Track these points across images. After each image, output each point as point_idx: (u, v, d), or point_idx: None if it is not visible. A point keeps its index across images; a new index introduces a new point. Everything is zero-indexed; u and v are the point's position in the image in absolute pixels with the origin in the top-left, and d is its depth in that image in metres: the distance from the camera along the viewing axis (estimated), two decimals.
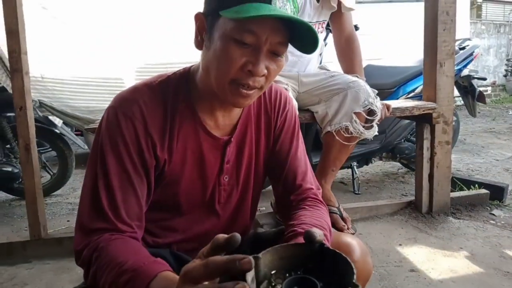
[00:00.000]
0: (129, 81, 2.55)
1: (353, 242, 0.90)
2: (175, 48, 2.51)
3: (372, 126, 1.80)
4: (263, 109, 0.97)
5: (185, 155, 0.88)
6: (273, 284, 0.62)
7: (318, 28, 1.91)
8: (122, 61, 2.56)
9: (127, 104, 0.81)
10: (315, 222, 0.86)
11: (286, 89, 1.78)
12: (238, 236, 0.55)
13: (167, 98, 0.85)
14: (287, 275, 0.65)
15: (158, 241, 0.93)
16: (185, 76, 0.88)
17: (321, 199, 0.98)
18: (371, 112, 1.79)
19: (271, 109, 0.97)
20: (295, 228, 0.84)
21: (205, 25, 0.80)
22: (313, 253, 0.67)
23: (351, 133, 1.77)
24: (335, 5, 1.89)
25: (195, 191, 0.92)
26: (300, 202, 0.95)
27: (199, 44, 0.83)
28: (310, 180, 0.99)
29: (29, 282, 1.73)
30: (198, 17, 0.82)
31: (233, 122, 0.93)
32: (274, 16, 0.72)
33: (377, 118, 1.80)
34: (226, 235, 0.55)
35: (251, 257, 0.62)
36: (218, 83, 0.79)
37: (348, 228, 1.90)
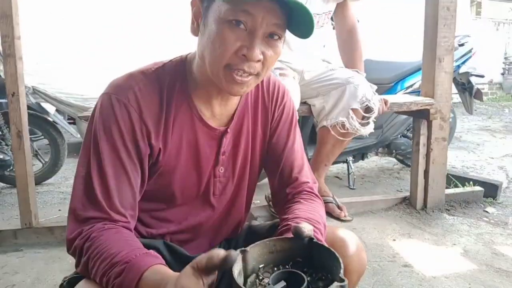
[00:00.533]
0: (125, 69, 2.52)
1: (348, 237, 0.89)
2: (174, 48, 2.48)
3: (368, 123, 1.79)
4: (261, 101, 0.95)
5: (180, 144, 0.86)
6: (261, 278, 0.61)
7: (324, 19, 1.88)
8: (118, 48, 2.53)
9: (122, 91, 0.79)
10: (309, 216, 0.85)
11: (287, 74, 1.78)
12: (234, 254, 0.56)
13: (163, 86, 0.83)
14: (275, 269, 0.64)
15: (152, 231, 0.92)
16: (181, 64, 0.86)
17: (316, 192, 0.97)
18: (368, 109, 1.78)
19: (268, 101, 0.96)
20: (289, 222, 0.83)
21: (200, 10, 0.78)
22: (302, 247, 0.66)
23: (347, 129, 1.76)
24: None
25: (190, 182, 0.90)
26: (296, 195, 0.95)
27: (195, 30, 0.81)
28: (306, 174, 0.98)
29: (20, 270, 1.71)
30: (194, 2, 0.80)
31: (229, 113, 0.91)
32: None
33: (374, 115, 1.79)
34: (221, 254, 0.56)
35: (238, 251, 0.61)
36: (213, 69, 0.77)
37: (344, 216, 1.94)
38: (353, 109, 1.76)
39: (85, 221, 0.75)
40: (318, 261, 0.65)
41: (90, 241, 0.72)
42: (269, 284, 0.59)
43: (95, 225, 0.74)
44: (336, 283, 0.57)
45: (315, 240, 0.67)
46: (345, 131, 1.78)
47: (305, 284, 0.58)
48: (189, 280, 0.58)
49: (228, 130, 0.90)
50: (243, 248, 0.62)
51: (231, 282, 0.57)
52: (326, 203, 1.92)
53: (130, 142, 0.79)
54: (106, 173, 0.77)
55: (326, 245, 0.67)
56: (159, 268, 0.65)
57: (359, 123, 1.78)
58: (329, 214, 1.97)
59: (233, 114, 0.91)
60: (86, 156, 0.79)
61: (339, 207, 1.98)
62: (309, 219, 0.83)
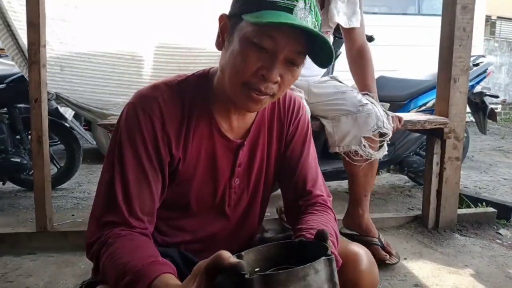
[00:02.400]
0: (145, 75, 2.58)
1: (361, 252, 0.90)
2: (192, 33, 2.53)
3: (382, 146, 1.77)
4: (276, 115, 0.97)
5: (199, 155, 0.88)
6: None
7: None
8: (139, 52, 2.58)
9: (147, 101, 0.83)
10: (322, 228, 0.86)
11: (300, 97, 1.76)
12: (243, 265, 0.55)
13: (185, 98, 0.86)
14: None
15: (167, 240, 0.94)
16: (204, 78, 0.90)
17: (330, 205, 0.98)
18: (381, 134, 1.76)
19: (284, 115, 0.98)
20: (303, 233, 0.84)
21: (228, 27, 0.81)
22: (294, 249, 0.68)
23: (361, 156, 1.74)
24: (333, 26, 1.87)
25: (206, 192, 0.92)
26: (309, 207, 0.95)
27: (220, 45, 0.85)
28: (321, 188, 0.99)
29: (33, 273, 1.73)
30: (222, 18, 0.84)
31: (246, 126, 0.93)
32: (294, 26, 0.73)
33: (388, 138, 1.77)
34: (232, 257, 0.56)
35: (233, 256, 0.62)
36: (231, 84, 0.80)
37: (389, 258, 1.82)
38: (365, 137, 1.73)
39: (104, 226, 0.78)
40: (311, 258, 0.66)
41: (106, 246, 0.74)
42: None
43: (113, 230, 0.76)
44: (323, 257, 0.58)
45: (304, 239, 0.68)
46: (359, 158, 1.76)
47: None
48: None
49: (245, 143, 0.92)
50: (237, 253, 0.64)
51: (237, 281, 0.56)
52: (370, 244, 1.81)
53: (153, 150, 0.82)
54: (128, 179, 0.79)
55: (315, 240, 0.68)
56: (166, 278, 0.66)
57: (373, 148, 1.74)
58: (372, 255, 1.77)
59: (250, 127, 0.93)
60: (110, 162, 0.82)
61: (384, 248, 1.85)
62: None
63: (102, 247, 0.75)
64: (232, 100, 0.83)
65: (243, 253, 0.64)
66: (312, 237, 0.82)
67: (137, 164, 0.81)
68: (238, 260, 0.56)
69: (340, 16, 1.80)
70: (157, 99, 0.83)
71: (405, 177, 3.26)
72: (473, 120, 3.24)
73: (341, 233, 1.96)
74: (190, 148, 0.87)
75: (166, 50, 2.59)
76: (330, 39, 2.00)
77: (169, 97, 0.84)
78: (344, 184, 3.18)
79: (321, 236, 0.66)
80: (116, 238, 0.75)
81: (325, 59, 0.80)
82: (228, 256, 0.56)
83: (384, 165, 2.84)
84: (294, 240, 0.69)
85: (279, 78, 0.78)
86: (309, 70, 1.94)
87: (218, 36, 0.85)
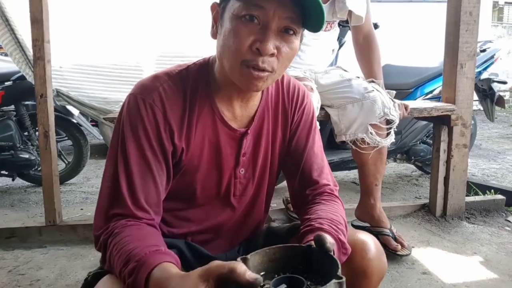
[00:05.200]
0: (147, 72, 2.57)
1: (369, 240, 0.89)
2: (192, 42, 2.52)
3: (389, 133, 1.76)
4: (281, 103, 0.96)
5: (203, 145, 0.88)
6: (262, 284, 0.61)
7: (326, 26, 1.87)
8: (139, 52, 2.59)
9: (148, 91, 0.82)
10: (332, 217, 0.85)
11: (311, 87, 1.75)
12: (260, 282, 0.55)
13: (186, 88, 0.85)
14: (276, 276, 0.65)
15: (173, 231, 0.94)
16: (204, 67, 0.89)
17: (337, 194, 0.98)
18: (388, 121, 1.74)
19: (288, 103, 0.97)
20: (312, 223, 0.83)
21: (219, 13, 0.81)
22: (301, 254, 0.67)
23: (368, 143, 1.73)
24: (344, 17, 1.85)
25: (211, 182, 0.92)
26: (316, 197, 0.95)
27: (214, 33, 0.84)
28: (327, 177, 0.98)
29: (44, 266, 1.76)
30: (213, 7, 0.83)
31: (250, 114, 0.92)
32: None
33: (395, 125, 1.75)
34: (248, 272, 0.56)
35: (239, 259, 0.62)
36: (230, 66, 0.79)
37: (402, 249, 1.80)
38: (372, 124, 1.71)
39: (111, 218, 0.78)
40: (318, 267, 0.66)
41: (112, 236, 0.75)
42: None
43: (119, 222, 0.77)
44: (334, 280, 0.57)
45: (313, 246, 0.67)
46: (366, 146, 1.74)
47: (305, 286, 0.59)
48: (191, 283, 0.58)
49: (249, 131, 0.91)
50: (243, 256, 0.63)
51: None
52: (382, 235, 1.80)
53: (155, 141, 0.82)
54: (132, 171, 0.79)
55: (332, 254, 0.67)
56: (165, 266, 0.66)
57: (380, 135, 1.73)
58: (384, 246, 1.76)
59: (254, 116, 0.92)
60: (113, 155, 0.82)
61: (396, 239, 1.83)
62: (331, 220, 0.84)
63: (109, 237, 0.75)
64: (236, 85, 0.82)
65: (249, 256, 0.64)
66: (321, 226, 0.82)
67: (140, 156, 0.80)
68: (255, 277, 0.56)
69: (351, 2, 1.78)
70: (158, 88, 0.82)
71: (412, 166, 3.24)
72: (481, 108, 3.21)
73: (352, 225, 1.96)
74: (193, 138, 0.86)
75: (167, 57, 2.59)
76: (336, 30, 1.98)
77: (170, 87, 0.83)
78: (350, 174, 3.17)
79: (319, 242, 0.65)
80: (123, 227, 0.75)
81: (316, 21, 0.77)
82: (244, 270, 0.56)
83: (390, 154, 2.82)
84: (302, 245, 0.68)
85: (275, 51, 0.76)
86: (315, 59, 1.93)
87: (212, 26, 0.84)
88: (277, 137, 0.97)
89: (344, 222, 0.87)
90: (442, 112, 2.06)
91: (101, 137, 3.66)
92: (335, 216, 0.86)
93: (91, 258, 1.83)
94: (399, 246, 1.80)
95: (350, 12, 1.82)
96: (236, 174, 0.93)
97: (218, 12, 0.81)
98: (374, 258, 0.87)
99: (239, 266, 0.56)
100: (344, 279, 0.58)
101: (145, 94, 0.82)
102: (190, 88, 0.85)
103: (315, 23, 0.78)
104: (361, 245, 0.87)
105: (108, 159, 0.83)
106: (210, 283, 0.58)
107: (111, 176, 0.81)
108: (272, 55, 0.76)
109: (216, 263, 0.60)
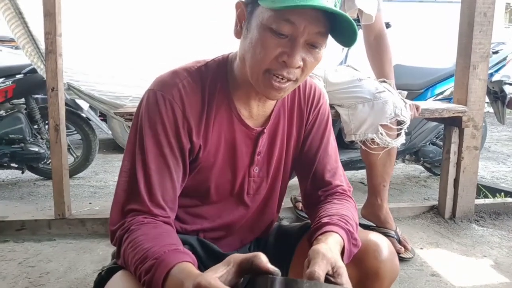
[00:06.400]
0: (157, 66, 2.59)
1: (382, 242, 0.88)
2: (204, 46, 2.53)
3: (400, 134, 1.74)
4: (297, 103, 0.96)
5: (219, 143, 0.88)
6: None
7: None
8: (151, 46, 2.59)
9: (167, 87, 0.82)
10: (342, 213, 0.85)
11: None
12: (279, 273, 0.57)
13: (205, 84, 0.85)
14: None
15: (186, 227, 0.94)
16: (223, 63, 0.88)
17: (350, 195, 0.97)
18: (399, 122, 1.72)
19: (304, 103, 0.96)
20: (321, 219, 0.83)
21: (245, 13, 0.80)
22: None
23: (378, 144, 1.71)
24: (354, 16, 1.83)
25: (225, 179, 0.92)
26: (329, 197, 0.95)
27: (238, 33, 0.83)
28: (340, 178, 0.98)
29: (53, 259, 1.77)
30: (238, 5, 0.82)
31: (266, 113, 0.92)
32: (312, 7, 0.70)
33: (406, 126, 1.73)
34: (269, 264, 0.57)
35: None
36: (253, 73, 0.79)
37: (405, 251, 1.80)
38: (382, 125, 1.70)
39: (127, 214, 0.78)
40: None
41: (128, 233, 0.75)
42: None
43: (135, 218, 0.77)
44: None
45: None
46: (376, 146, 1.73)
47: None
48: (209, 273, 0.58)
49: (265, 130, 0.91)
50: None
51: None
52: (386, 236, 1.75)
53: (173, 138, 0.81)
54: (149, 168, 0.79)
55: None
56: (185, 266, 0.66)
57: (390, 136, 1.71)
58: None
59: (270, 115, 0.92)
60: (131, 150, 0.82)
61: (400, 242, 1.83)
62: (340, 215, 0.83)
63: (125, 233, 0.75)
64: (255, 88, 0.82)
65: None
66: (330, 220, 0.81)
67: (158, 153, 0.80)
68: (275, 268, 0.57)
69: (361, 1, 1.76)
70: (178, 85, 0.82)
71: (420, 167, 3.22)
72: (490, 110, 3.17)
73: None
74: (210, 135, 0.86)
75: (178, 51, 2.58)
76: None
77: (189, 83, 0.83)
78: (358, 174, 3.16)
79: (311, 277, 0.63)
80: (139, 225, 0.75)
81: (348, 38, 0.77)
82: (266, 260, 0.58)
83: (399, 154, 2.81)
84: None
85: (301, 63, 0.76)
86: (324, 57, 1.91)
87: (236, 25, 0.83)
88: (291, 136, 0.96)
89: (354, 219, 0.87)
90: (453, 114, 2.04)
91: (110, 132, 3.68)
92: (344, 212, 0.86)
93: (99, 252, 1.84)
94: (403, 249, 1.80)
95: (360, 11, 1.81)
96: (250, 172, 0.93)
97: (243, 11, 0.80)
98: (387, 259, 0.86)
99: (263, 256, 0.58)
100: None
101: (165, 90, 0.81)
102: (208, 85, 0.85)
103: (347, 39, 0.77)
104: (373, 246, 0.86)
105: (126, 154, 0.83)
106: (230, 267, 0.59)
107: (128, 171, 0.81)
108: (299, 67, 0.77)
109: (237, 254, 0.61)
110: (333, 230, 0.78)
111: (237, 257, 0.60)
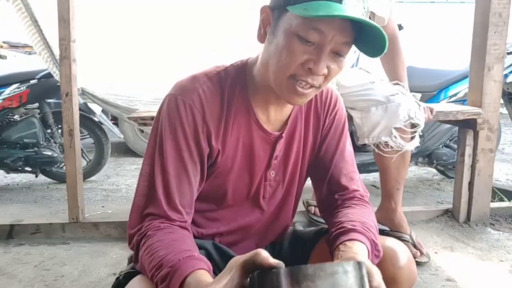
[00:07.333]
0: (172, 71, 2.61)
1: (399, 248, 0.88)
2: (218, 52, 2.54)
3: (414, 137, 1.72)
4: (313, 107, 0.96)
5: (237, 147, 0.88)
6: None
7: None
8: (164, 51, 2.61)
9: (187, 93, 0.82)
10: (363, 220, 0.85)
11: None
12: (282, 266, 0.56)
13: (224, 90, 0.86)
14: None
15: (202, 231, 0.95)
16: (242, 68, 0.89)
17: (367, 200, 0.96)
18: (413, 125, 1.70)
19: (321, 107, 0.96)
20: (344, 225, 0.83)
21: (270, 18, 0.79)
22: None
23: (391, 147, 1.69)
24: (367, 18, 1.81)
25: (242, 183, 0.92)
26: (346, 201, 0.94)
27: (261, 37, 0.83)
28: (357, 183, 0.97)
29: (68, 262, 1.79)
30: (264, 10, 0.81)
31: (284, 118, 0.92)
32: (344, 17, 0.70)
33: (420, 128, 1.71)
34: (271, 258, 0.57)
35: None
36: (276, 78, 0.79)
37: (420, 255, 1.78)
38: (396, 128, 1.67)
39: (145, 218, 0.79)
40: None
41: (145, 238, 0.75)
42: None
43: (152, 223, 0.77)
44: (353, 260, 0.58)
45: None
46: (389, 149, 1.70)
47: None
48: (213, 286, 0.59)
49: (283, 135, 0.91)
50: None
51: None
52: (402, 240, 1.72)
53: (193, 142, 0.82)
54: (168, 172, 0.80)
55: None
56: (199, 275, 0.66)
57: (404, 139, 1.68)
58: None
59: (287, 120, 0.92)
60: (150, 154, 0.83)
61: (415, 246, 1.80)
62: (363, 222, 0.83)
63: (142, 238, 0.76)
64: (275, 92, 0.82)
65: None
66: (354, 227, 0.81)
67: (177, 157, 0.81)
68: (278, 261, 0.56)
69: (373, 3, 1.74)
70: (198, 90, 0.83)
71: (433, 170, 3.18)
72: (503, 112, 3.13)
73: None
74: (228, 140, 0.86)
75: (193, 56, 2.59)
76: None
77: (209, 88, 0.84)
78: (370, 177, 3.13)
79: None
80: (156, 230, 0.76)
81: (377, 47, 0.76)
82: (268, 255, 0.57)
83: (412, 157, 2.77)
84: None
85: (326, 70, 0.76)
86: None
87: (260, 29, 0.82)
88: (308, 140, 0.96)
89: (375, 225, 0.86)
90: (468, 116, 2.01)
91: (122, 136, 3.71)
92: (365, 219, 0.86)
93: (113, 255, 1.85)
94: (418, 253, 1.78)
95: (372, 13, 1.79)
96: (266, 176, 0.93)
97: (268, 16, 0.80)
98: (404, 266, 0.86)
99: (263, 252, 0.57)
100: (363, 262, 0.57)
101: (185, 95, 0.82)
102: (228, 90, 0.86)
103: (376, 49, 0.77)
104: (391, 252, 0.86)
105: (146, 158, 0.84)
106: (233, 272, 0.59)
107: (147, 175, 0.82)
108: (323, 74, 0.77)
109: (238, 256, 0.61)
110: (359, 239, 0.78)
111: (237, 260, 0.60)
